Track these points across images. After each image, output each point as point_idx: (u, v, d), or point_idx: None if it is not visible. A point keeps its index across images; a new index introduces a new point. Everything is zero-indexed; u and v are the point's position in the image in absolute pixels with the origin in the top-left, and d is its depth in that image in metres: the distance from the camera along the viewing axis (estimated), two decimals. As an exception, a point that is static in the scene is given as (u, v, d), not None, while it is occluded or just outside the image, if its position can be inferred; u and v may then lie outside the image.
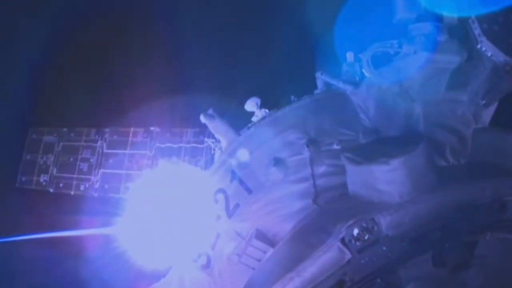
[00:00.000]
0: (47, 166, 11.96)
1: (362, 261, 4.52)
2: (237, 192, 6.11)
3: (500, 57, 5.53)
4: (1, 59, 13.26)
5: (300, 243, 5.28)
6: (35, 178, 12.03)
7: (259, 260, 5.66)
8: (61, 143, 11.93)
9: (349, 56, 6.70)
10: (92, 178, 11.01)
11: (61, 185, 11.58)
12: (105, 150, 11.01)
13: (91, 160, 11.18)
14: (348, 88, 6.47)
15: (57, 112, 12.69)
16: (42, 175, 11.95)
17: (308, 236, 5.27)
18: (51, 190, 11.71)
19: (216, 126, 6.76)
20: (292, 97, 6.67)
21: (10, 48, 13.48)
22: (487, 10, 5.45)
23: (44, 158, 12.02)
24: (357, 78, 6.54)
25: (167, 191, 7.21)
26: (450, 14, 5.73)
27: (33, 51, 12.85)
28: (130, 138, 10.68)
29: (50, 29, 12.63)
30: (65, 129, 11.99)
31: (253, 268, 5.68)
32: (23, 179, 12.20)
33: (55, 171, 11.81)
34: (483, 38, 5.54)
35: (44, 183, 11.88)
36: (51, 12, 12.65)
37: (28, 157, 12.27)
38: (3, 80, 13.35)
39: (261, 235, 5.75)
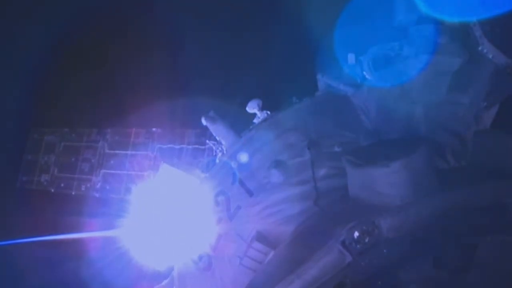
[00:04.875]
0: (48, 166, 11.96)
1: (363, 263, 4.52)
2: (238, 194, 6.12)
3: (502, 59, 5.51)
4: (2, 60, 13.28)
5: (301, 245, 5.29)
6: (36, 178, 12.04)
7: (260, 262, 5.67)
8: (63, 143, 11.93)
9: (350, 58, 6.69)
10: (93, 178, 11.03)
11: (62, 185, 11.60)
12: (106, 151, 11.02)
13: (93, 161, 11.19)
14: (349, 90, 6.49)
15: (59, 112, 12.68)
16: (43, 175, 11.97)
17: (309, 238, 5.27)
18: (52, 190, 11.74)
19: (217, 128, 6.76)
20: (294, 99, 6.69)
21: (12, 49, 13.50)
22: (489, 12, 5.43)
23: (45, 158, 12.03)
24: (358, 80, 6.54)
25: (168, 193, 7.23)
26: (451, 16, 5.73)
27: (34, 52, 12.85)
28: (131, 139, 10.68)
29: (51, 31, 12.64)
30: (66, 130, 12.03)
31: (254, 270, 5.69)
32: (24, 179, 12.22)
33: (56, 171, 11.82)
34: (485, 40, 5.53)
35: (45, 183, 11.89)
36: (53, 15, 12.68)
37: (29, 157, 12.30)
38: (4, 80, 13.37)
39: (262, 237, 5.75)
